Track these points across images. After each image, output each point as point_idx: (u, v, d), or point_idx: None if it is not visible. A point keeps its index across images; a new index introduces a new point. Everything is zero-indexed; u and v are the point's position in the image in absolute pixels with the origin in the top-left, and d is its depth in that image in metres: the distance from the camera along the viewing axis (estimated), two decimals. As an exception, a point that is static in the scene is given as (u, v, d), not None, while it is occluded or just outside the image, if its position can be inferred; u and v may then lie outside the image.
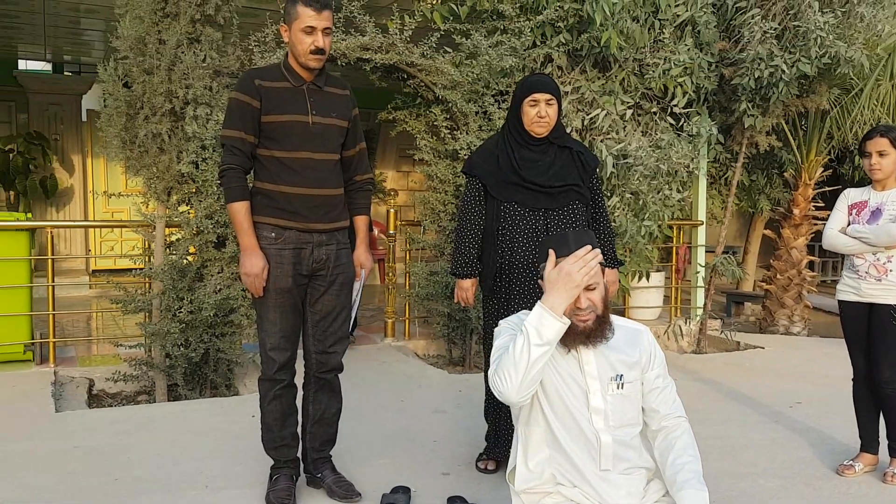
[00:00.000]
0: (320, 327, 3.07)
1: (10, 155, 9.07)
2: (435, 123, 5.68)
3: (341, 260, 3.06)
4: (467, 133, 5.50)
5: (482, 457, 3.53)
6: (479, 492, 3.23)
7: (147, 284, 5.12)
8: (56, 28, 7.79)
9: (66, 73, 9.98)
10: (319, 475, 3.20)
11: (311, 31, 2.83)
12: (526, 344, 2.15)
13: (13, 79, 9.43)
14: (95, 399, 4.94)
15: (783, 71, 5.71)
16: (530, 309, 3.12)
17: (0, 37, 8.20)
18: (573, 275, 2.15)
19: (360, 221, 3.19)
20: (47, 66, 9.95)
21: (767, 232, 8.32)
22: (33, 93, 9.58)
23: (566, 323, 2.17)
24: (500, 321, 2.43)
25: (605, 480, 2.30)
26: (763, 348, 6.54)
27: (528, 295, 3.28)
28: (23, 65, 9.72)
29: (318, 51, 2.86)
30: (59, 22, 7.53)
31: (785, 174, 8.00)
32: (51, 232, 5.28)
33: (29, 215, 5.64)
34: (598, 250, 2.21)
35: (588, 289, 2.27)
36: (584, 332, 2.27)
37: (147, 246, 4.97)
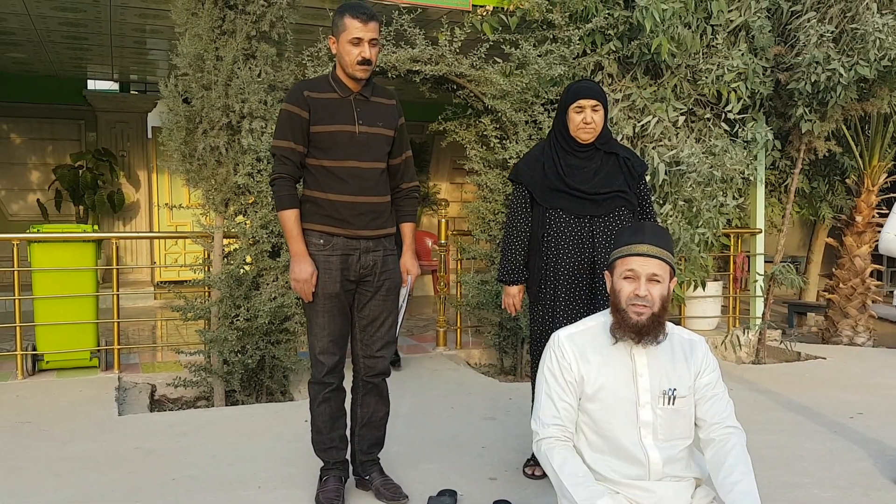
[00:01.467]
0: (367, 332, 3.13)
1: (80, 171, 9.46)
2: (485, 133, 5.72)
3: (388, 266, 3.11)
4: (517, 142, 5.52)
5: (529, 462, 3.54)
6: (525, 497, 3.23)
7: (206, 293, 5.29)
8: (122, 49, 8.12)
9: (132, 91, 10.38)
10: (368, 477, 3.25)
11: (358, 42, 2.91)
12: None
13: (83, 98, 9.85)
14: (157, 404, 5.11)
15: (841, 74, 5.59)
16: (572, 318, 3.10)
17: (70, 58, 8.59)
18: None
19: (407, 228, 3.25)
20: (114, 86, 10.35)
21: (830, 240, 8.11)
22: (101, 111, 9.99)
23: None
24: (542, 365, 2.41)
25: (651, 489, 2.29)
26: (824, 359, 6.36)
27: (574, 301, 3.29)
28: (92, 85, 10.14)
29: (365, 61, 2.93)
30: (125, 43, 7.85)
31: (847, 181, 7.79)
32: (115, 243, 5.51)
33: (95, 227, 5.88)
34: None
35: (652, 280, 2.27)
36: (635, 326, 2.26)
37: (207, 256, 5.13)
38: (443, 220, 6.48)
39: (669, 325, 2.40)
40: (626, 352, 2.32)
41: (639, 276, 2.27)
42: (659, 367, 2.31)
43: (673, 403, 2.29)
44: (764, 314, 6.64)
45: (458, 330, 6.42)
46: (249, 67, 4.66)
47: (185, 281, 5.12)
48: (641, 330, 2.26)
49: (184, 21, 4.69)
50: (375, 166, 3.04)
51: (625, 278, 2.30)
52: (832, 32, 5.63)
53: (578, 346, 2.36)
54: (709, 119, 5.99)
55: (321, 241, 3.00)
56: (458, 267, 6.51)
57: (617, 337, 2.29)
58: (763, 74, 5.94)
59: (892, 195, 7.54)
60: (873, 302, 7.53)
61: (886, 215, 7.49)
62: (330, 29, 3.05)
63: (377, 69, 5.39)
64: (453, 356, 6.18)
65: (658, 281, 2.27)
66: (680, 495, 2.30)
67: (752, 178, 6.32)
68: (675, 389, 2.30)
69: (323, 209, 3.00)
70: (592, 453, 2.33)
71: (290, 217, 2.97)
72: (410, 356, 6.15)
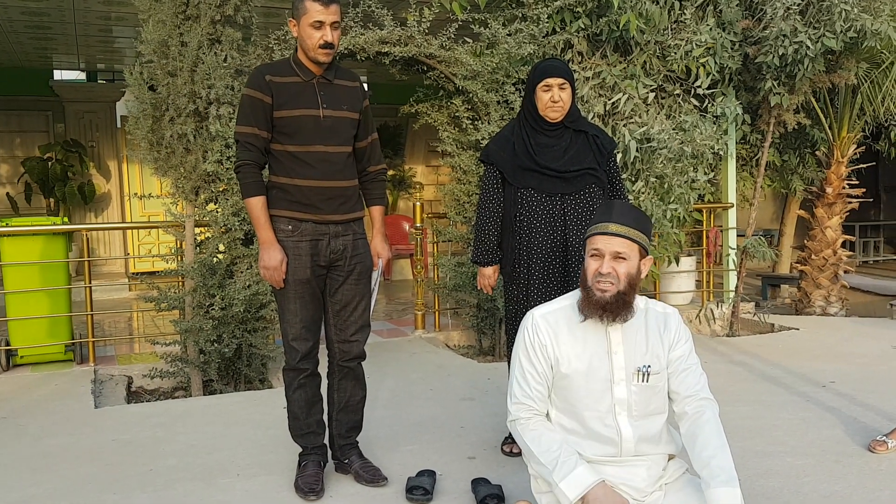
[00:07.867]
0: (341, 317, 3.13)
1: (49, 163, 9.33)
2: (456, 114, 5.70)
3: (358, 250, 3.10)
4: (489, 123, 5.51)
5: (507, 441, 3.57)
6: (502, 474, 3.26)
7: (180, 283, 5.25)
8: (87, 37, 7.99)
9: (99, 80, 10.22)
10: (347, 461, 3.26)
11: (319, 25, 2.88)
12: (544, 479, 2.29)
13: (49, 89, 9.69)
14: (134, 395, 5.08)
15: (808, 47, 5.62)
16: (547, 296, 3.11)
17: (35, 48, 8.44)
18: None
19: (376, 211, 3.24)
20: (81, 76, 10.20)
21: (801, 213, 8.19)
22: (69, 102, 9.83)
23: None
24: (521, 324, 2.44)
25: (624, 464, 2.31)
26: (797, 329, 6.45)
27: (548, 280, 3.30)
28: (58, 75, 9.98)
29: (327, 45, 2.90)
30: (90, 31, 7.72)
31: (817, 153, 7.86)
32: (86, 235, 5.44)
33: (65, 219, 5.81)
34: None
35: (617, 258, 2.28)
36: (598, 303, 2.27)
37: (179, 246, 5.09)
38: (418, 203, 6.47)
39: (644, 300, 2.41)
40: (601, 329, 2.34)
41: (603, 254, 2.29)
42: (633, 344, 2.33)
43: (647, 381, 2.31)
44: (737, 287, 6.71)
45: (437, 312, 6.44)
46: (215, 52, 4.60)
47: (159, 271, 5.07)
48: (606, 307, 2.27)
49: (147, 7, 4.61)
50: (342, 150, 3.02)
51: (591, 256, 2.32)
52: (798, 5, 5.65)
53: (553, 325, 2.37)
54: (678, 95, 6.01)
55: (289, 227, 2.98)
56: (435, 250, 6.52)
57: (585, 314, 2.31)
58: (731, 49, 5.96)
59: (861, 166, 7.63)
60: (845, 272, 7.63)
61: (856, 186, 7.58)
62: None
63: (345, 52, 5.35)
64: (432, 339, 6.20)
65: (624, 258, 2.28)
66: (651, 470, 2.33)
67: (722, 152, 6.36)
68: (649, 366, 2.31)
69: (290, 195, 2.97)
70: (565, 434, 2.35)
71: (257, 204, 2.95)
72: (390, 340, 6.16)
